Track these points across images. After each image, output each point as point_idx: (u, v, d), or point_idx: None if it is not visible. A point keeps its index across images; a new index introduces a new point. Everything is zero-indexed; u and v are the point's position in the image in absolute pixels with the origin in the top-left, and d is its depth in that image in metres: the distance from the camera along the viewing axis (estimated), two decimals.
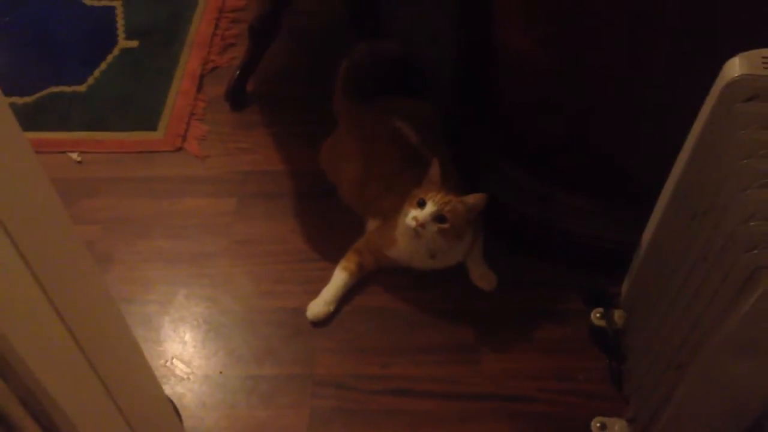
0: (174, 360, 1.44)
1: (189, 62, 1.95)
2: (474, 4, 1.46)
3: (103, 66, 1.97)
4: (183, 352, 1.45)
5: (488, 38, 1.43)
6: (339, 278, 1.52)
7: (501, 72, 1.48)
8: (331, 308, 1.50)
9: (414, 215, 1.37)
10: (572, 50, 1.29)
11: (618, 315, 1.38)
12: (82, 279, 0.77)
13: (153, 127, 1.82)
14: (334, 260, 1.55)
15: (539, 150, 1.50)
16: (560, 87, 1.36)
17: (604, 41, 1.25)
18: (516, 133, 1.53)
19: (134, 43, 2.02)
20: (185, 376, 1.42)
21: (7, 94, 1.81)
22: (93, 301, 0.80)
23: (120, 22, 2.07)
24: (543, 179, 1.51)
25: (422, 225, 1.37)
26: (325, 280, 1.53)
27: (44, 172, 0.67)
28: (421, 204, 1.38)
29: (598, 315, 1.39)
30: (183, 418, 1.35)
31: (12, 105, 1.55)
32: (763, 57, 0.95)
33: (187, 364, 1.44)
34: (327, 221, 1.64)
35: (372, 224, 1.57)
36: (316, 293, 1.51)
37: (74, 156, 1.77)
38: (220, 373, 1.42)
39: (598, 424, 1.29)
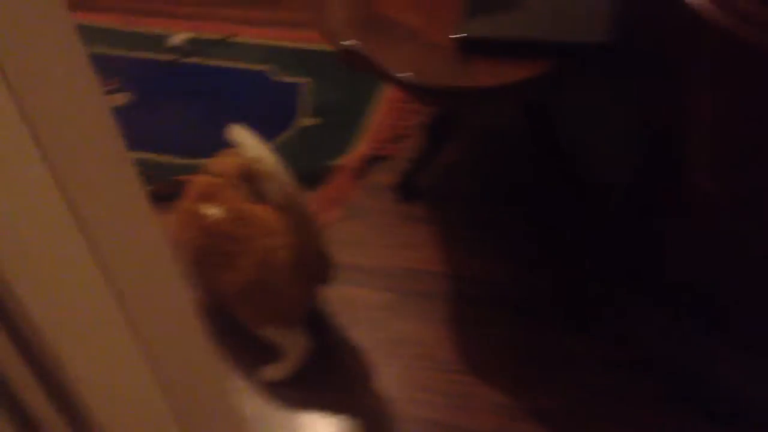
0: None
1: (360, 146, 1.99)
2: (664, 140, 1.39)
3: (278, 140, 2.04)
4: None
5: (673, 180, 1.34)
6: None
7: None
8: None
9: None
10: None
11: None
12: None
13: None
14: (482, 376, 1.49)
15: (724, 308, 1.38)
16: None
17: None
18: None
19: (312, 121, 2.08)
20: None
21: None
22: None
23: (303, 100, 2.14)
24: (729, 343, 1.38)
25: None
26: (471, 396, 1.48)
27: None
28: None
29: None
30: None
31: None
32: None
33: None
34: (480, 332, 1.59)
35: None
36: (461, 408, 1.47)
37: None
38: None
39: None
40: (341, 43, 1.28)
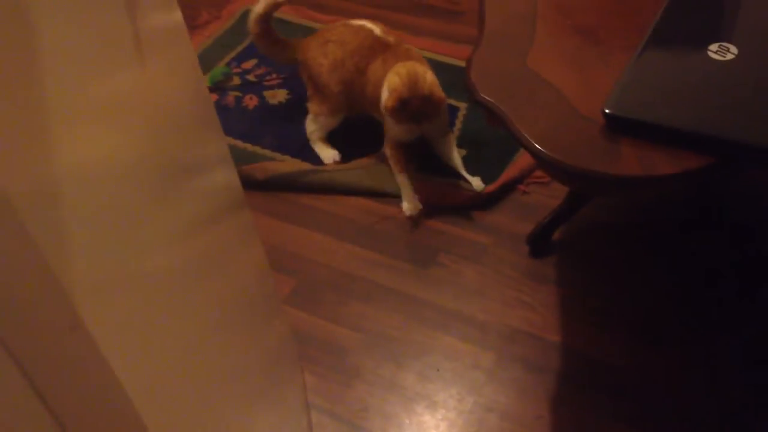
0: None
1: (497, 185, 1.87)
2: None
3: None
4: None
5: None
6: (404, 179, 1.86)
7: None
8: (420, 204, 1.83)
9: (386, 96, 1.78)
10: None
11: None
12: None
13: None
14: None
15: None
16: None
17: None
18: None
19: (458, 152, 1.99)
20: None
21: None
22: None
23: (454, 126, 2.06)
24: None
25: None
26: None
27: None
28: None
29: None
30: None
31: None
32: None
33: None
34: (579, 421, 1.45)
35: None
36: None
37: None
38: None
39: None
40: (481, 95, 1.18)
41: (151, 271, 0.64)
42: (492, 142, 1.98)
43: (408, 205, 1.83)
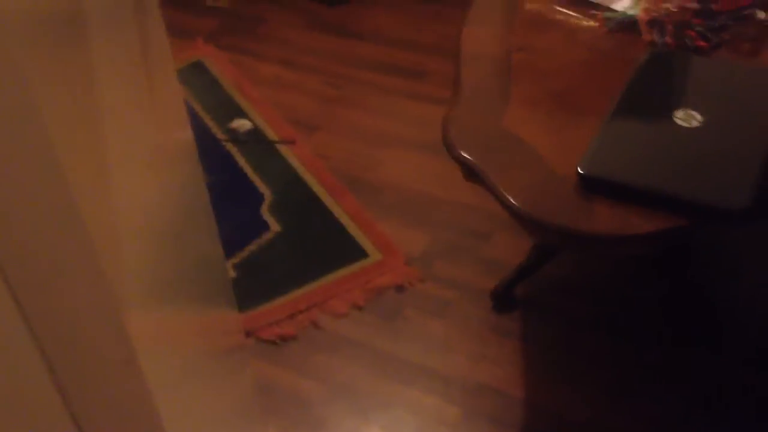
0: None
1: None
2: None
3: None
4: None
5: None
6: None
7: None
8: None
9: None
10: None
11: None
12: None
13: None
14: None
15: None
16: None
17: None
18: None
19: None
20: None
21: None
22: None
23: None
24: None
25: None
26: None
27: None
28: None
29: None
30: None
31: None
32: None
33: None
34: None
35: None
36: None
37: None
38: None
39: None
40: (460, 152, 1.21)
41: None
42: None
43: None
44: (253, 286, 1.85)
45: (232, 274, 1.87)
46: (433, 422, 1.55)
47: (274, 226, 1.99)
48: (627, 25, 1.40)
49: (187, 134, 1.10)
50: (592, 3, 1.45)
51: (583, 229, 1.12)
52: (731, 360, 1.59)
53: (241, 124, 2.32)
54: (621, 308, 1.73)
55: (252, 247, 1.94)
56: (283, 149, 2.24)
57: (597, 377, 1.61)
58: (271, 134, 2.29)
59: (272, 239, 1.96)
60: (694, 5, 1.38)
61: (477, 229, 1.96)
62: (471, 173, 1.23)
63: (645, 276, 1.80)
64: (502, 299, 1.75)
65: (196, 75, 2.51)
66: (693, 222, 1.11)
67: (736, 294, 1.73)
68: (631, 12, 1.40)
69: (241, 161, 2.20)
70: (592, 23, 1.43)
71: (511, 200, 1.15)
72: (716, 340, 1.64)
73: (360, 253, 1.91)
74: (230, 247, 1.93)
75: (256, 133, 2.29)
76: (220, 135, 2.29)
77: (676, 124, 1.20)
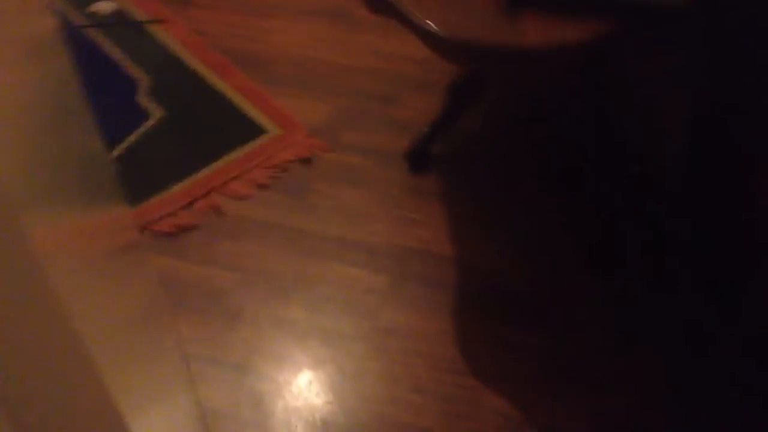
0: None
1: None
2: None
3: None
4: None
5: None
6: None
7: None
8: None
9: None
10: None
11: None
12: None
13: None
14: (484, 379, 1.30)
15: None
16: None
17: None
18: None
19: None
20: None
21: None
22: None
23: None
24: None
25: None
26: (469, 402, 1.29)
27: None
28: None
29: None
30: None
31: None
32: None
33: None
34: (484, 330, 1.39)
35: None
36: (455, 416, 1.27)
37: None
38: None
39: None
40: None
41: None
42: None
43: None
44: (140, 179, 1.65)
45: (116, 167, 1.66)
46: (361, 293, 1.44)
47: (156, 112, 1.78)
48: None
49: (48, 21, 0.92)
50: None
51: (508, 43, 1.00)
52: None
53: (103, 7, 2.05)
54: (543, 160, 1.65)
55: (133, 137, 1.73)
56: (154, 29, 1.99)
57: (520, 231, 1.53)
58: (138, 14, 2.03)
59: (155, 126, 1.75)
60: None
61: (382, 92, 1.81)
62: (377, 4, 1.08)
63: (558, 118, 1.72)
64: (418, 159, 1.63)
65: None
66: (625, 24, 1.01)
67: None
68: None
69: (108, 47, 1.94)
70: None
71: (432, 25, 1.01)
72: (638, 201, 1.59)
73: (257, 130, 1.73)
74: (109, 140, 1.71)
75: (120, 15, 2.03)
76: (78, 20, 2.01)
77: None
